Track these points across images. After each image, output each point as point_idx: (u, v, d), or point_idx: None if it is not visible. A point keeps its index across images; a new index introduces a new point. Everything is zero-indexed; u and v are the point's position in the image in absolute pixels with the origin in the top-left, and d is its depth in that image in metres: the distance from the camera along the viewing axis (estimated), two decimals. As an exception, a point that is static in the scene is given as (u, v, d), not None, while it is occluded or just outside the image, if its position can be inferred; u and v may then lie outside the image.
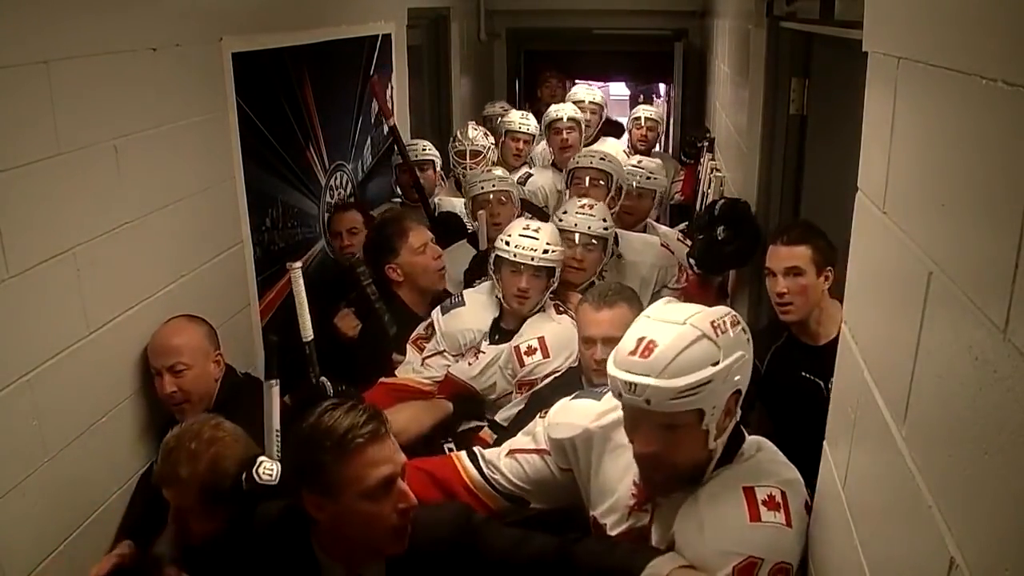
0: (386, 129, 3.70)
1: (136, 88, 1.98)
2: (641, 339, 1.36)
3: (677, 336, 1.34)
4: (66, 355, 1.77)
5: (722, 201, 2.90)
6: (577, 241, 2.67)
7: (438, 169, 3.74)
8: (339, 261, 3.12)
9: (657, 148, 4.99)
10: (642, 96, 7.57)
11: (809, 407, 1.95)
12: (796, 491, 1.43)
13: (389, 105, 3.67)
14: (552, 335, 2.43)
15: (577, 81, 6.02)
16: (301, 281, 2.03)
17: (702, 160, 4.33)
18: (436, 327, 2.55)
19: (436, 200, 3.63)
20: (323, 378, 2.09)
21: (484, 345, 2.51)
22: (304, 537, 1.48)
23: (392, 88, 3.78)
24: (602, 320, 2.08)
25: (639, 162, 3.59)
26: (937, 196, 0.91)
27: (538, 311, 2.51)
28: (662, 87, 7.58)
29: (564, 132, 4.15)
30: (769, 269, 2.19)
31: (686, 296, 2.96)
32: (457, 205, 3.58)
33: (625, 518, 1.57)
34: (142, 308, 2.04)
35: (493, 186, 3.15)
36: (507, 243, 2.46)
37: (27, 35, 1.62)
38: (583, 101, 4.55)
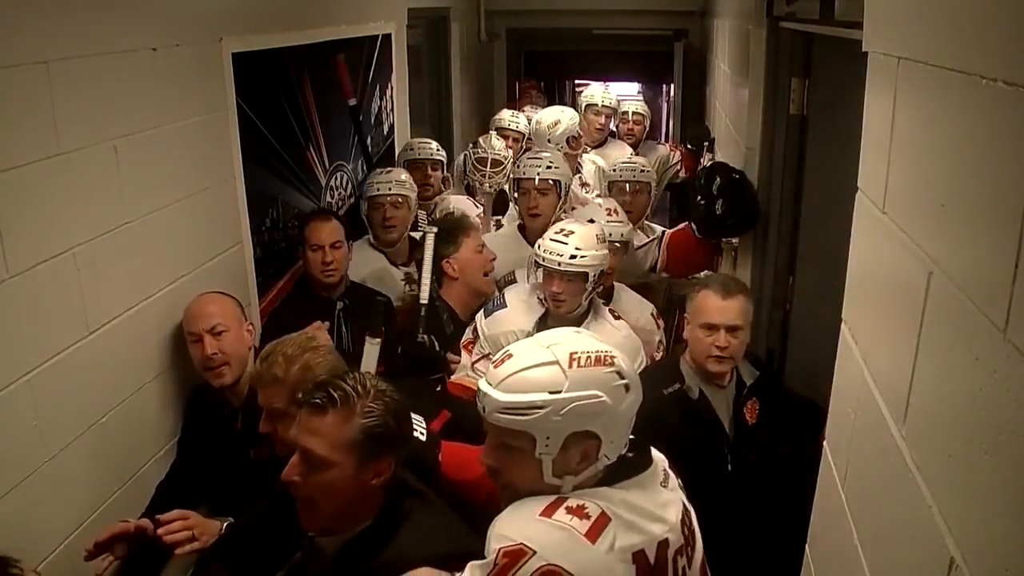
0: (386, 129, 3.71)
1: (136, 88, 1.97)
2: (505, 351, 1.37)
3: (530, 354, 1.33)
4: (66, 355, 1.77)
5: (718, 181, 2.95)
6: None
7: (446, 171, 3.68)
8: (315, 282, 2.72)
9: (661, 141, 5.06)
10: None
11: None
12: (628, 531, 1.30)
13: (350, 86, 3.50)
14: (619, 347, 2.40)
15: (586, 82, 6.03)
16: (432, 247, 2.19)
17: (703, 160, 4.34)
18: (479, 330, 2.52)
19: (447, 200, 3.63)
20: (431, 336, 2.24)
21: None
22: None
23: (392, 88, 3.77)
24: (728, 308, 2.12)
25: (630, 158, 3.64)
26: (937, 196, 0.91)
27: (590, 318, 2.47)
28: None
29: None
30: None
31: (673, 245, 3.06)
32: (467, 205, 3.60)
33: None
34: (142, 308, 2.04)
35: (390, 189, 3.05)
36: (540, 246, 2.44)
37: (27, 35, 1.62)
38: (596, 104, 4.54)
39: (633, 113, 4.76)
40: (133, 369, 2.03)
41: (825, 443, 1.41)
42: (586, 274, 2.38)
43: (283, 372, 1.77)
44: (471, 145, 4.02)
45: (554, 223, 2.90)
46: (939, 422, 0.88)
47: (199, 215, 2.29)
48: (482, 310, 2.58)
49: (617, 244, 2.69)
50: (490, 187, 3.83)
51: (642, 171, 3.52)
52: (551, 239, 2.42)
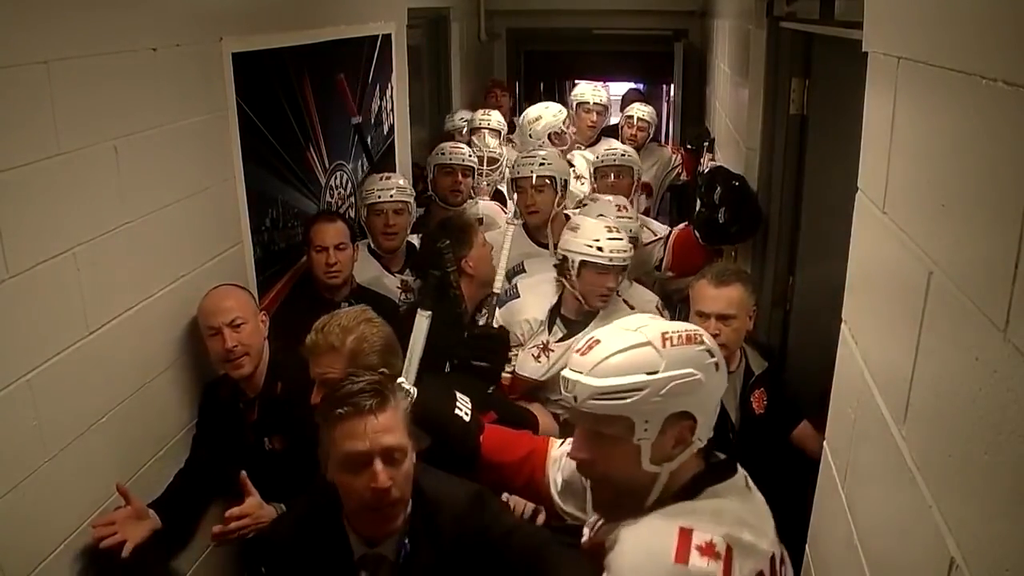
0: (386, 129, 3.70)
1: (136, 88, 1.97)
2: (590, 339, 1.33)
3: (620, 338, 1.29)
4: (66, 355, 1.76)
5: (719, 190, 2.93)
6: None
7: (476, 177, 3.68)
8: (319, 283, 2.71)
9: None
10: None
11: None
12: (749, 557, 1.23)
13: (354, 104, 3.51)
14: None
15: (577, 81, 6.02)
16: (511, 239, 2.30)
17: (703, 161, 4.34)
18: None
19: (477, 205, 3.63)
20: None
21: (552, 342, 2.55)
22: (336, 512, 1.55)
23: (392, 88, 3.77)
24: (719, 297, 2.20)
25: (612, 145, 3.79)
26: (937, 196, 0.91)
27: (609, 308, 2.58)
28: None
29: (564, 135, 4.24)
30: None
31: (677, 244, 3.11)
32: (495, 211, 3.61)
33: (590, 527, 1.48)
34: (142, 308, 2.04)
35: (391, 196, 3.05)
36: (599, 248, 2.50)
37: (27, 35, 1.62)
38: (588, 102, 4.54)
39: (639, 119, 4.74)
40: (133, 369, 2.03)
41: (825, 443, 1.41)
42: (627, 267, 2.55)
43: (339, 342, 1.86)
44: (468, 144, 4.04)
45: (554, 219, 3.03)
46: (939, 422, 0.88)
47: (199, 215, 2.29)
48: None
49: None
50: (487, 184, 3.85)
51: (623, 155, 3.66)
52: (609, 238, 2.51)
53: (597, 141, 4.59)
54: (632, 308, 2.63)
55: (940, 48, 0.92)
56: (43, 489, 1.69)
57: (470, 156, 3.61)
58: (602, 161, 3.69)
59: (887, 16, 1.16)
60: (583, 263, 2.52)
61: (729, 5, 4.13)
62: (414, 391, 1.71)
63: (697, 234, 3.05)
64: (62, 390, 1.75)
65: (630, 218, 3.00)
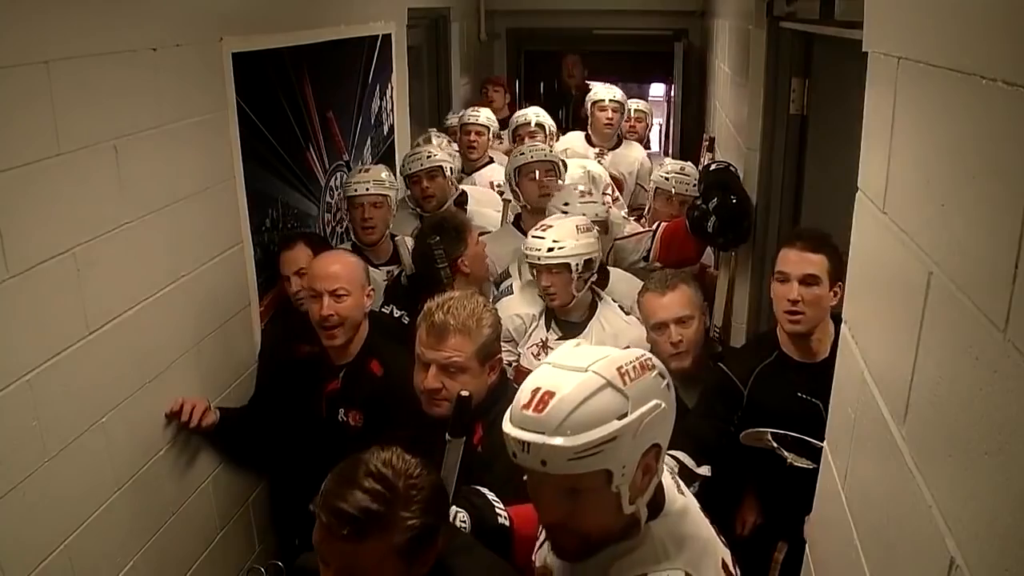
0: (386, 129, 3.70)
1: (136, 88, 1.97)
2: (536, 390, 1.18)
3: (576, 386, 1.16)
4: (66, 355, 1.76)
5: (715, 201, 2.88)
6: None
7: (448, 174, 3.39)
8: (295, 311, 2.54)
9: (656, 148, 5.03)
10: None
11: (807, 431, 1.86)
12: (706, 565, 1.25)
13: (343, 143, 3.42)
14: (636, 342, 2.48)
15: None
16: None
17: (702, 159, 4.34)
18: None
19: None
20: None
21: (552, 340, 2.56)
22: None
23: (392, 88, 3.78)
24: (670, 303, 2.19)
25: (682, 168, 3.53)
26: (937, 196, 0.91)
27: (599, 310, 2.57)
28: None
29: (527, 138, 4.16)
30: (783, 273, 2.02)
31: (667, 236, 3.06)
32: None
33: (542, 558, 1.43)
34: (142, 308, 2.04)
35: (367, 188, 2.98)
36: (524, 243, 2.54)
37: (27, 35, 1.62)
38: (603, 99, 4.38)
39: (635, 111, 4.75)
40: (133, 369, 2.03)
41: (825, 443, 1.41)
42: (568, 264, 2.45)
43: (476, 327, 1.77)
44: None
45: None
46: (939, 422, 0.88)
47: (199, 215, 2.29)
48: (491, 298, 2.70)
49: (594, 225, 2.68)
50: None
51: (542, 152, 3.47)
52: (532, 235, 2.52)
53: (618, 144, 4.43)
54: (628, 314, 2.62)
55: (940, 48, 0.92)
56: (43, 489, 1.69)
57: (429, 156, 3.36)
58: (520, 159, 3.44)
59: (887, 16, 1.16)
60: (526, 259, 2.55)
61: (729, 5, 4.13)
62: (467, 516, 1.54)
63: (688, 225, 3.01)
64: (62, 390, 1.75)
65: (594, 202, 2.92)
